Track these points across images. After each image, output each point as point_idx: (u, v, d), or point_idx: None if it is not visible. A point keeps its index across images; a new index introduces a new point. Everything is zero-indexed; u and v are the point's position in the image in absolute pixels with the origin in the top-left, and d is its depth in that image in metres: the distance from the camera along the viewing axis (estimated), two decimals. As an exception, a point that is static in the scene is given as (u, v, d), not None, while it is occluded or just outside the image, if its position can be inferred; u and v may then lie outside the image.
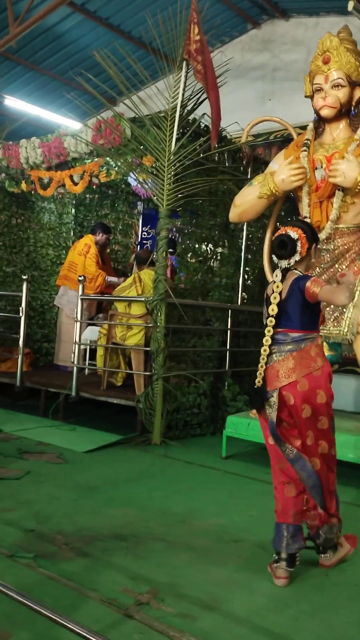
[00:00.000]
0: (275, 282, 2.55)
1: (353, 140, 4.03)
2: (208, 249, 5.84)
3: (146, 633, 1.96)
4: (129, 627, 1.99)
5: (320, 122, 4.26)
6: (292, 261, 2.56)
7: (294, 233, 2.56)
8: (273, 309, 2.52)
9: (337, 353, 4.37)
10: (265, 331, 2.54)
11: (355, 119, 4.12)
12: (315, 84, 4.12)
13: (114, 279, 6.24)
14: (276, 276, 2.55)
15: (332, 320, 4.13)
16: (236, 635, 1.99)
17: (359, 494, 3.77)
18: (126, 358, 5.64)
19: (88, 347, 6.09)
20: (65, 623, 1.64)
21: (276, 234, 2.66)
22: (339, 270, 4.13)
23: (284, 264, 2.56)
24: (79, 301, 5.50)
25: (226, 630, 2.01)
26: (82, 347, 5.95)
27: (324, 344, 4.24)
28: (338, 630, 2.08)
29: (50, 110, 10.34)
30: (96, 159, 5.55)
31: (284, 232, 2.59)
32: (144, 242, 7.95)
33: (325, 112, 4.09)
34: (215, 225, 5.74)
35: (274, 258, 2.63)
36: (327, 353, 4.26)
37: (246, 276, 6.07)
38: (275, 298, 2.51)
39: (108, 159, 5.36)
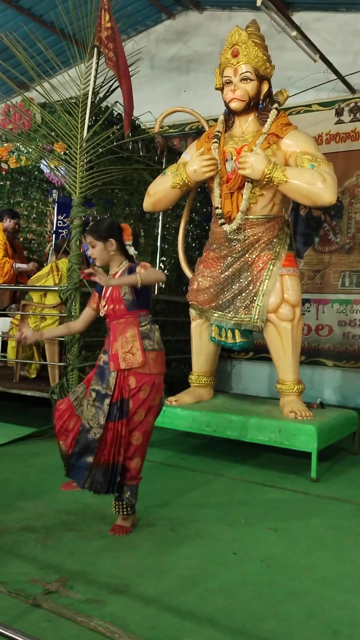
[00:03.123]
0: None
1: (261, 133, 4.15)
2: (124, 238, 5.80)
3: (54, 621, 1.95)
4: (36, 616, 1.97)
5: (231, 115, 4.36)
6: None
7: None
8: None
9: (248, 340, 4.49)
10: None
11: (264, 113, 4.24)
12: (225, 76, 4.20)
13: (22, 266, 6.04)
14: None
15: (243, 307, 4.24)
16: (144, 615, 2.02)
17: (267, 474, 3.92)
18: (40, 349, 5.51)
19: (0, 339, 5.89)
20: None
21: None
22: (249, 260, 4.26)
23: None
24: (-12, 291, 5.31)
25: (135, 612, 2.04)
26: (-6, 339, 5.76)
27: (237, 330, 4.36)
28: (245, 605, 2.15)
29: None
30: (5, 144, 5.36)
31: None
32: (60, 231, 7.77)
33: (235, 105, 4.18)
34: (130, 214, 5.73)
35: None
36: (239, 340, 4.39)
37: (162, 266, 6.11)
38: None
39: (18, 144, 5.19)
